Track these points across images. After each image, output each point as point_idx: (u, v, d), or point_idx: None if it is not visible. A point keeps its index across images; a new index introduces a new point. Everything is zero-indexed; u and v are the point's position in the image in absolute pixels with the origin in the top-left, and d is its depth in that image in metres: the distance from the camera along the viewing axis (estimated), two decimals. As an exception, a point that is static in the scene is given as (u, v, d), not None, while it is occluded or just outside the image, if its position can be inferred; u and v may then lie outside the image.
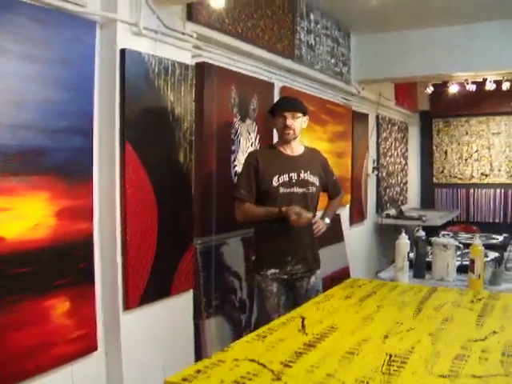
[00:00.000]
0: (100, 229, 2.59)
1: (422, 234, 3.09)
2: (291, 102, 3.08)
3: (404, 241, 2.94)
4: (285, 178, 2.96)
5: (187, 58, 3.01)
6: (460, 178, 8.35)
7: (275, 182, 2.95)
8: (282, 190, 2.95)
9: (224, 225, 3.38)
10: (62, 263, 2.34)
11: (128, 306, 2.64)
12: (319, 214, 3.22)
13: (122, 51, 2.57)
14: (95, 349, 2.52)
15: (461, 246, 3.09)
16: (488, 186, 8.15)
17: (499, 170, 8.08)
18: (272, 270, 2.96)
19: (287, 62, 4.16)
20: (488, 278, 2.95)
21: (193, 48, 3.11)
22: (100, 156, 2.58)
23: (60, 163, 2.31)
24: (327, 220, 3.19)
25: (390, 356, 1.72)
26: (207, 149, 3.27)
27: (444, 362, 1.68)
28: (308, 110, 3.09)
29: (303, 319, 2.14)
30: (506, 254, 3.77)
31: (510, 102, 7.53)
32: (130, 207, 2.61)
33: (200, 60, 3.22)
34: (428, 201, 8.59)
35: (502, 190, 8.04)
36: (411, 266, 3.07)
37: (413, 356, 1.73)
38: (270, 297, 2.97)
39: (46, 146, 2.24)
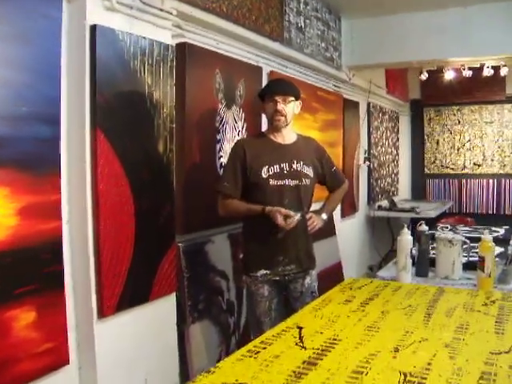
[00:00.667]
0: (70, 228, 2.31)
1: (424, 228, 2.84)
2: (283, 85, 2.81)
3: (406, 237, 2.69)
4: (275, 168, 2.70)
5: (167, 37, 2.73)
6: (452, 169, 8.13)
7: (264, 174, 2.68)
8: (272, 182, 2.68)
9: (209, 221, 3.12)
10: (26, 268, 2.05)
11: (103, 313, 2.36)
12: (314, 207, 2.95)
13: (93, 28, 2.28)
14: (67, 362, 2.24)
15: (467, 241, 2.84)
16: (481, 176, 7.93)
17: (492, 160, 7.86)
18: (262, 271, 2.70)
19: (276, 45, 3.88)
20: (497, 276, 2.71)
21: (173, 27, 2.83)
22: (68, 146, 2.29)
23: (22, 154, 2.02)
24: (324, 216, 2.90)
25: (405, 375, 1.47)
26: (190, 138, 2.99)
27: (469, 382, 1.43)
28: (301, 94, 2.82)
29: (300, 329, 1.89)
30: (510, 249, 3.54)
31: (504, 90, 7.31)
32: (103, 203, 2.33)
33: (181, 40, 2.94)
34: (419, 192, 8.36)
35: (495, 181, 7.82)
36: (413, 263, 2.83)
37: (431, 375, 1.48)
38: (261, 301, 2.71)
39: (3, 135, 1.95)
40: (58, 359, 2.20)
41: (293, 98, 2.74)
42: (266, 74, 3.86)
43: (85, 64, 2.27)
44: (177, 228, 2.82)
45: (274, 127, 2.76)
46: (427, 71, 6.27)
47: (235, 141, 3.22)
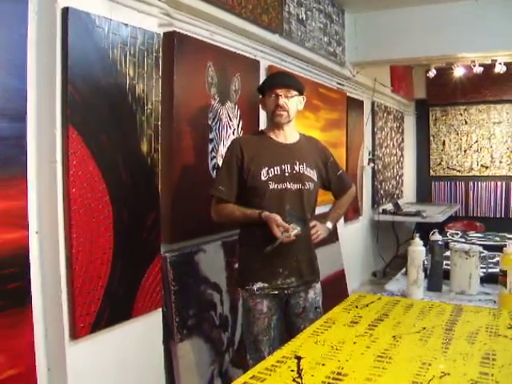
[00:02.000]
0: (39, 239, 2.03)
1: (438, 237, 2.56)
2: (285, 78, 2.56)
3: (418, 248, 2.41)
4: (276, 170, 2.43)
5: (153, 25, 2.46)
6: (458, 171, 7.86)
7: (264, 176, 2.41)
8: (272, 185, 2.41)
9: (200, 228, 2.85)
10: (-14, 284, 1.79)
11: (76, 334, 2.09)
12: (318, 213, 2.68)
13: (65, 11, 2.00)
14: (35, 390, 1.98)
15: (485, 252, 2.56)
16: (488, 178, 7.67)
17: (500, 162, 7.59)
18: (259, 284, 2.43)
19: (274, 37, 3.61)
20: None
21: (162, 15, 2.57)
22: (37, 146, 2.01)
23: (-19, 155, 1.76)
24: (329, 225, 2.65)
25: (427, 426, 1.20)
26: (178, 137, 2.71)
27: None
28: (305, 89, 2.55)
29: (299, 360, 1.61)
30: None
31: (513, 88, 7.04)
32: (77, 211, 2.05)
33: (170, 29, 2.67)
34: (424, 194, 8.10)
35: (504, 183, 7.56)
36: (424, 276, 2.55)
37: (458, 426, 1.20)
38: (260, 318, 2.43)
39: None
40: (24, 387, 1.94)
41: (296, 93, 2.48)
42: (264, 69, 3.59)
43: (55, 52, 2.00)
44: (163, 237, 2.55)
45: (275, 124, 2.49)
46: (435, 68, 5.99)
47: (231, 139, 2.95)
